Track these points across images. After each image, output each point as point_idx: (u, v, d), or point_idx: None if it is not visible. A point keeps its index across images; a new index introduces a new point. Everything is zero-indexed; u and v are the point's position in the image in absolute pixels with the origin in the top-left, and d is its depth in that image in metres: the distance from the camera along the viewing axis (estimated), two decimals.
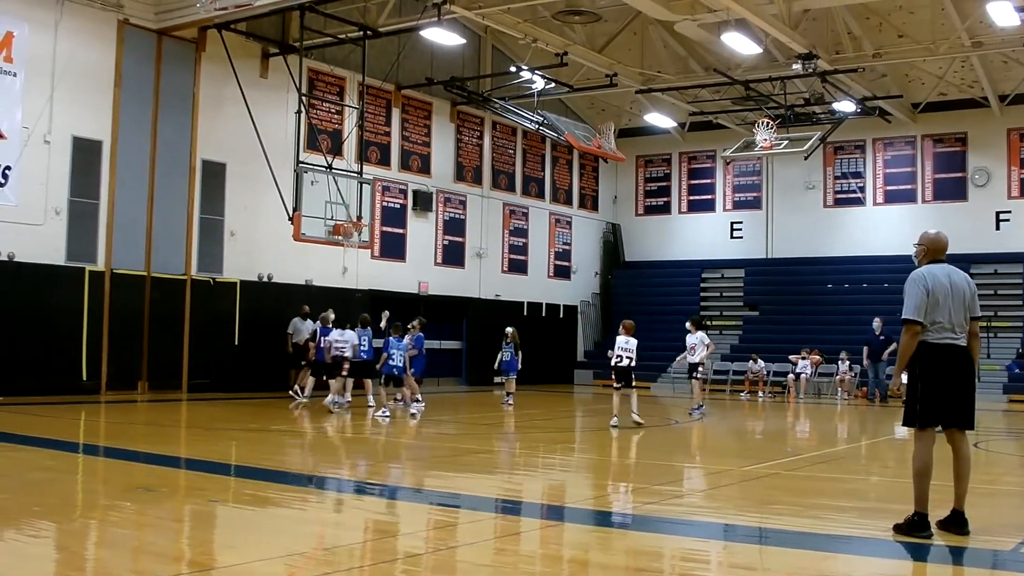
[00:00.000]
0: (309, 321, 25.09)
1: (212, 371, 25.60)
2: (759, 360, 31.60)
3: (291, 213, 24.58)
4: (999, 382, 29.84)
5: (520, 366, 25.22)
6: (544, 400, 28.20)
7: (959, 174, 34.74)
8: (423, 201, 31.67)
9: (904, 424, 8.98)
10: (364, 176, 26.55)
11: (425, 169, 32.03)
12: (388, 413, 19.92)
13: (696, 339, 22.84)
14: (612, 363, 19.55)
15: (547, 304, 36.62)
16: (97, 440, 16.74)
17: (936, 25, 28.58)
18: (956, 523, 8.80)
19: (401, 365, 20.20)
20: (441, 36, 26.95)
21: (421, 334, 22.19)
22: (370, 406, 21.51)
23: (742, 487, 12.33)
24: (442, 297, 31.94)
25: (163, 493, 10.81)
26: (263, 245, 26.89)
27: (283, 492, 11.13)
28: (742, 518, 10.20)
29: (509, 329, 25.36)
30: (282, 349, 25.65)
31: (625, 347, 19.42)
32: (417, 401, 20.80)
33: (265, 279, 27.13)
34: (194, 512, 9.84)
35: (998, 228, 33.89)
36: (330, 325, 22.75)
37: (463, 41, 29.33)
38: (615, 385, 19.51)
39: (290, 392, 24.05)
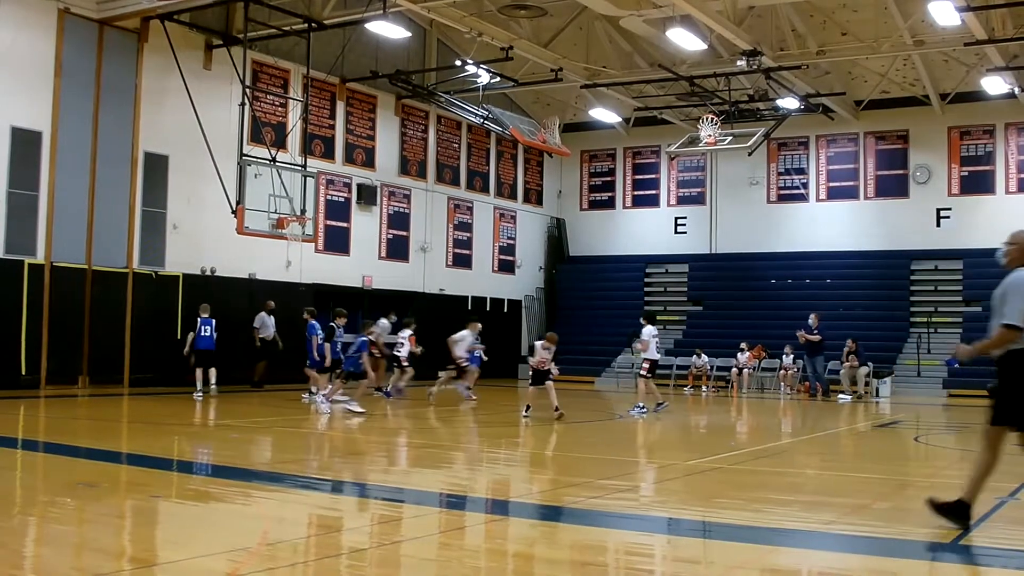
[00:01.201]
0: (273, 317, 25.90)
1: (155, 365, 25.34)
2: (703, 355, 31.76)
3: (234, 206, 24.43)
4: (939, 377, 30.17)
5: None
6: (488, 395, 28.18)
7: (901, 171, 35.07)
8: (367, 195, 31.56)
9: (997, 423, 8.85)
10: (308, 169, 26.41)
11: (369, 163, 31.92)
12: (324, 407, 19.79)
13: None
14: (533, 367, 20.24)
15: (491, 298, 36.61)
16: (37, 436, 16.54)
17: (879, 24, 28.82)
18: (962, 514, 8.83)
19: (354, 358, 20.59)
20: (386, 29, 26.84)
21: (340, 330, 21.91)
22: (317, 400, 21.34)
23: (686, 481, 12.39)
24: (386, 291, 31.83)
25: (104, 489, 10.69)
26: (206, 238, 26.68)
27: (226, 487, 11.06)
28: (686, 512, 10.25)
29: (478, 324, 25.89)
30: (232, 342, 25.44)
31: (545, 355, 19.95)
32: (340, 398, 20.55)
33: (208, 272, 26.92)
34: (136, 508, 9.74)
35: (939, 225, 34.26)
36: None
37: (408, 35, 29.23)
38: (532, 384, 20.33)
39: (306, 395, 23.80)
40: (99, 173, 24.76)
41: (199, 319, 23.00)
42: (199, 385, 22.27)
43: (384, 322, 26.35)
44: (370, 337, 21.31)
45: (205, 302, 23.68)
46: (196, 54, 26.83)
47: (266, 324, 26.00)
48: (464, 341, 24.22)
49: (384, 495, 10.95)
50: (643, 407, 21.46)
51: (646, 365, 21.91)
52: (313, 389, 21.56)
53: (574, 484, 11.83)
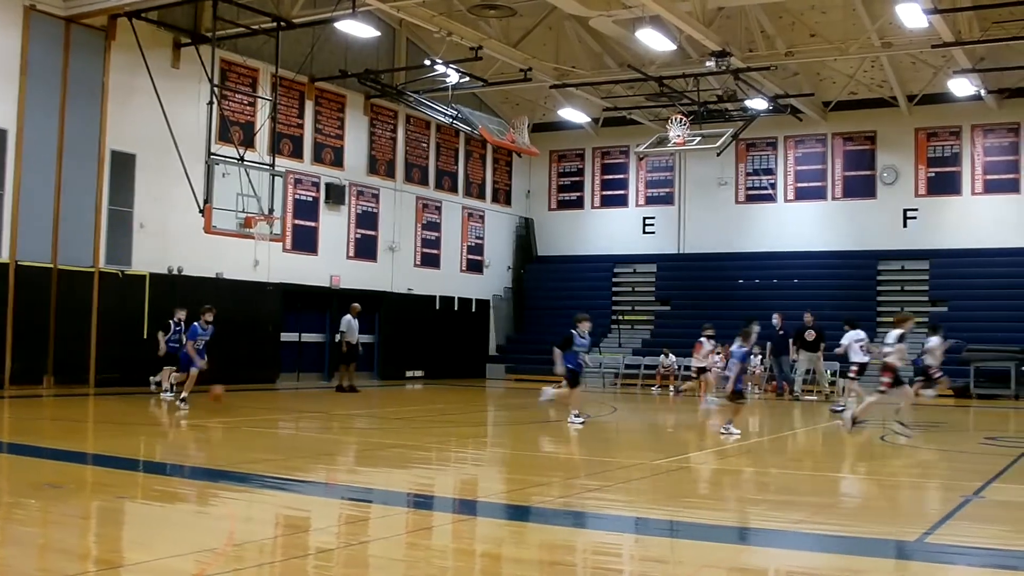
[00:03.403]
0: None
1: (121, 365, 25.16)
2: (670, 355, 31.84)
3: (202, 205, 24.32)
4: (905, 376, 30.22)
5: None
6: (456, 394, 28.19)
7: (868, 172, 35.24)
8: (336, 194, 31.46)
9: None
10: (276, 169, 26.34)
11: (338, 162, 31.82)
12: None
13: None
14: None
15: (459, 298, 36.56)
16: (0, 436, 16.43)
17: (847, 25, 28.96)
18: None
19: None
20: (355, 28, 26.74)
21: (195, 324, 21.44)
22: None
23: (654, 480, 12.41)
24: (354, 291, 31.73)
25: (70, 490, 10.63)
26: (173, 237, 26.53)
27: (192, 488, 11.01)
28: (655, 511, 10.27)
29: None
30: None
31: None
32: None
33: (175, 272, 26.78)
34: (102, 509, 9.69)
35: (905, 225, 34.43)
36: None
37: (377, 34, 29.14)
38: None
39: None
40: (65, 172, 24.59)
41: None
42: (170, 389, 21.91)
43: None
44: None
45: (175, 303, 23.50)
46: (164, 52, 26.69)
47: (352, 328, 26.13)
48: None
49: (352, 495, 10.92)
50: (842, 407, 21.34)
51: (855, 368, 22.02)
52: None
53: (542, 483, 11.83)
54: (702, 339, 24.18)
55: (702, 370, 24.31)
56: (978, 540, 8.96)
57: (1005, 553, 8.46)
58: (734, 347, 17.72)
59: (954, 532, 9.16)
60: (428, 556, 8.01)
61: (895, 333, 16.42)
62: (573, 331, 18.61)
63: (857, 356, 22.10)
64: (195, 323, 20.54)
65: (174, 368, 21.28)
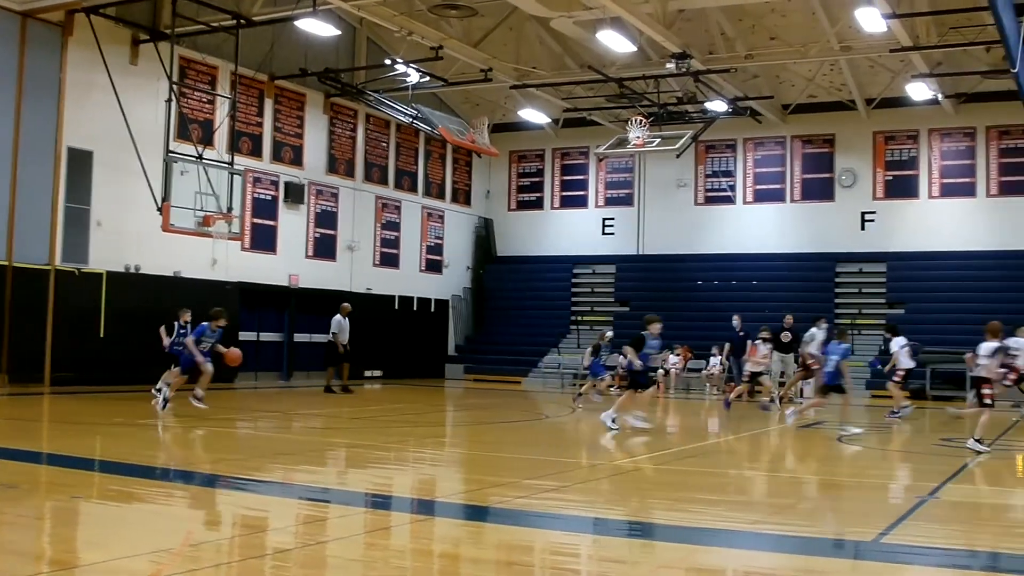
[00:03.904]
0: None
1: (76, 364, 24.98)
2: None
3: (160, 203, 24.17)
4: (863, 378, 30.50)
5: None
6: (415, 394, 28.15)
7: (827, 175, 35.48)
8: (295, 193, 31.34)
9: None
10: (235, 167, 26.20)
11: (297, 161, 31.70)
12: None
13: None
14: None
15: (418, 298, 36.50)
16: None
17: (807, 29, 29.13)
18: None
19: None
20: (316, 27, 26.62)
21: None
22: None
23: (613, 481, 12.44)
24: (313, 290, 31.64)
25: (24, 490, 10.51)
26: (131, 235, 26.34)
27: (149, 488, 10.93)
28: (613, 512, 10.29)
29: (608, 332, 25.60)
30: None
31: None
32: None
33: (132, 270, 26.60)
34: (56, 509, 9.59)
35: (863, 228, 34.69)
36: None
37: (338, 33, 29.05)
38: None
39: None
40: (21, 168, 24.36)
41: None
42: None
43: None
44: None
45: (133, 302, 23.32)
46: (122, 49, 26.50)
47: (343, 328, 26.00)
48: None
49: (310, 495, 10.87)
50: (897, 411, 21.38)
51: (901, 373, 21.97)
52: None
53: (501, 484, 11.81)
54: (757, 342, 23.78)
55: (756, 374, 23.84)
56: (933, 540, 9.03)
57: (959, 553, 8.54)
58: (835, 344, 18.68)
59: (909, 532, 9.23)
60: (386, 556, 7.98)
61: (991, 346, 15.85)
62: (644, 332, 18.35)
63: (906, 362, 22.17)
64: (204, 323, 20.29)
65: (177, 368, 21.09)
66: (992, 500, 11.98)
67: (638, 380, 18.29)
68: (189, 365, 19.72)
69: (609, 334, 25.26)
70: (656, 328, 18.52)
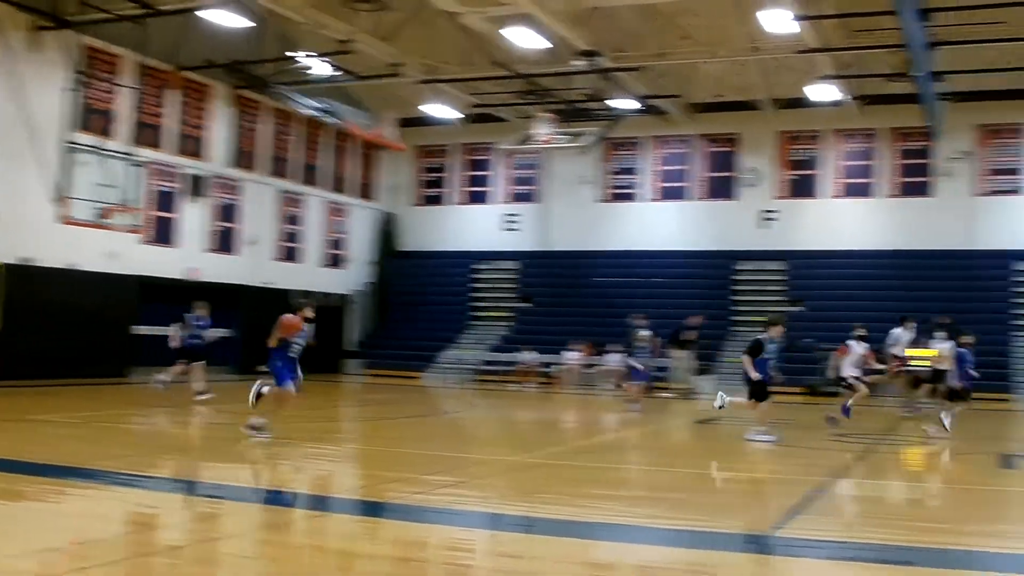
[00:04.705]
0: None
1: None
2: (530, 351, 32.06)
3: (58, 194, 23.76)
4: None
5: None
6: (314, 390, 27.95)
7: (731, 174, 35.87)
8: (197, 186, 30.95)
9: None
10: (137, 158, 25.82)
11: (201, 153, 31.29)
12: None
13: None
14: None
15: (320, 293, 36.23)
16: None
17: (718, 29, 29.32)
18: None
19: None
20: (223, 18, 26.23)
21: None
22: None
23: (510, 476, 12.48)
24: (214, 284, 31.21)
25: None
26: (27, 227, 25.72)
27: (38, 485, 10.74)
28: (510, 507, 10.32)
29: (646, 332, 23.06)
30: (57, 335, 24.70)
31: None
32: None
33: (28, 262, 26.06)
34: None
35: (765, 227, 35.10)
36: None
37: (246, 24, 28.66)
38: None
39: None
40: None
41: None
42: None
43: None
44: None
45: (28, 294, 22.89)
46: (22, 35, 25.91)
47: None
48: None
49: (205, 491, 10.78)
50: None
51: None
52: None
53: (398, 480, 11.81)
54: (850, 342, 20.37)
55: (856, 378, 19.97)
56: (825, 533, 9.21)
57: (850, 545, 8.72)
58: (950, 345, 18.59)
59: (803, 526, 9.43)
60: (280, 553, 7.94)
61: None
62: (762, 335, 16.64)
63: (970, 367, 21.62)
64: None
65: (187, 361, 21.08)
66: (883, 494, 12.21)
67: (756, 391, 16.53)
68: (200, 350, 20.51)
69: (645, 333, 22.86)
70: (776, 332, 16.65)
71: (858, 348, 19.76)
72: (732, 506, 11.00)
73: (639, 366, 22.32)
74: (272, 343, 15.02)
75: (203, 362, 21.21)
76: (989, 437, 18.84)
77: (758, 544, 8.59)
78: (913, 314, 24.59)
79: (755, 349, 16.40)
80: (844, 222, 34.37)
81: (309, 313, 15.78)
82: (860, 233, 34.01)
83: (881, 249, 33.60)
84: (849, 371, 19.59)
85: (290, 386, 14.87)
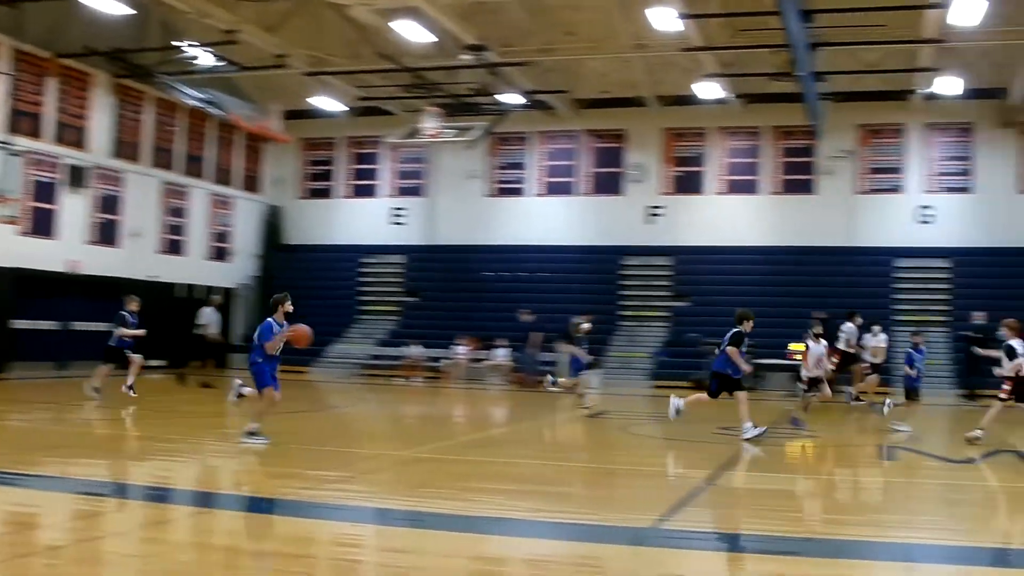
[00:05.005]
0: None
1: None
2: (417, 345, 32.00)
3: None
4: (647, 369, 31.17)
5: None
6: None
7: (616, 169, 36.12)
8: (78, 176, 30.27)
9: None
10: (13, 147, 25.17)
11: (81, 143, 30.62)
12: None
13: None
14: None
15: (204, 286, 35.71)
16: None
17: (603, 25, 29.48)
18: None
19: None
20: (104, 4, 25.74)
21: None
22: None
23: (398, 471, 12.44)
24: (95, 277, 30.60)
25: None
26: None
27: None
28: (397, 502, 10.27)
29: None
30: None
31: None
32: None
33: None
34: None
35: (650, 222, 35.41)
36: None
37: (128, 11, 28.07)
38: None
39: None
40: None
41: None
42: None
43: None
44: None
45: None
46: None
47: (212, 321, 25.32)
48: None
49: (86, 489, 10.52)
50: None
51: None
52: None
53: (286, 475, 11.68)
54: (808, 342, 19.84)
55: (819, 379, 19.28)
56: (710, 525, 9.31)
57: (735, 536, 8.80)
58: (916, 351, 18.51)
59: (687, 518, 9.53)
60: (165, 551, 7.80)
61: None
62: (738, 328, 16.59)
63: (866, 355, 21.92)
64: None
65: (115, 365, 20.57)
66: (767, 486, 12.36)
67: (732, 384, 16.33)
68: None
69: (586, 326, 21.88)
70: (750, 326, 16.83)
71: (816, 348, 19.37)
72: (619, 499, 11.07)
73: (582, 357, 21.35)
74: (271, 349, 14.71)
75: (140, 356, 20.61)
76: (872, 431, 19.20)
77: (644, 537, 8.64)
78: (804, 310, 24.99)
79: (738, 342, 16.34)
80: (729, 218, 34.82)
81: (289, 307, 15.30)
82: (744, 229, 34.50)
83: (765, 245, 34.10)
84: (812, 371, 19.16)
85: (271, 390, 14.40)
